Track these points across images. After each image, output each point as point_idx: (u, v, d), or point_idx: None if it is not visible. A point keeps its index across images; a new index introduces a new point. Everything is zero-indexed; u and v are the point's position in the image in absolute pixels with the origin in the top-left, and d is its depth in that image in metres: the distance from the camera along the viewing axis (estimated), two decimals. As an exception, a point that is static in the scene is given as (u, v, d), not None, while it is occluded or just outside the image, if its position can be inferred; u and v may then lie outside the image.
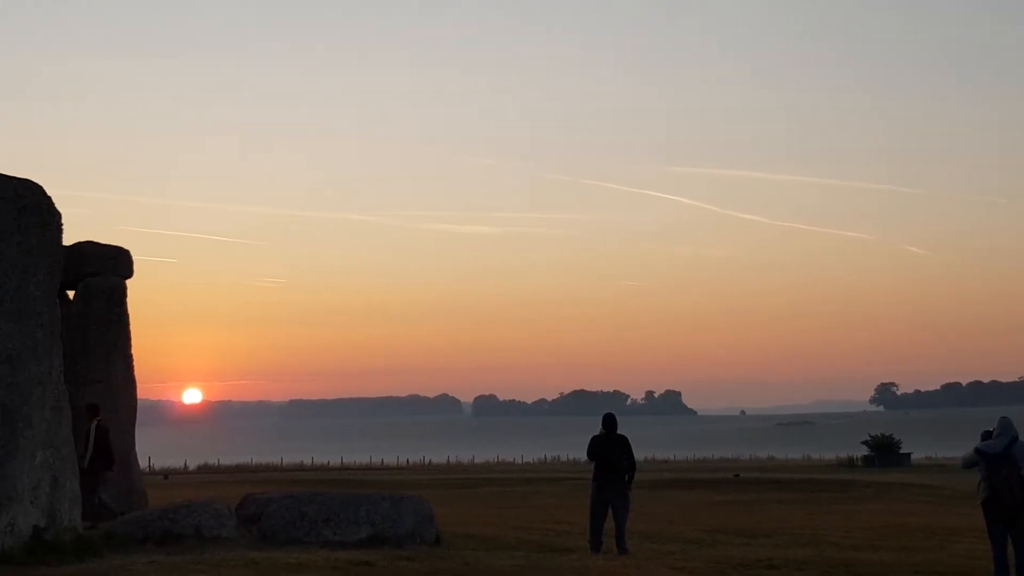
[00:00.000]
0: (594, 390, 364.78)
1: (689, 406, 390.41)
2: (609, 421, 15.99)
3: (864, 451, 71.13)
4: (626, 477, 15.84)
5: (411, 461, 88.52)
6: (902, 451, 70.14)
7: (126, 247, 21.60)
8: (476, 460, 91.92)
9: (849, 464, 68.50)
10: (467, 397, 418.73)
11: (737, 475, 49.15)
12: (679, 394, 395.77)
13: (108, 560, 13.10)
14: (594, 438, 15.94)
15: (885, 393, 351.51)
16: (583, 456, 17.44)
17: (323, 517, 15.30)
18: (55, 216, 14.18)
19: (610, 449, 15.75)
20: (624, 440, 15.88)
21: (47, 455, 13.68)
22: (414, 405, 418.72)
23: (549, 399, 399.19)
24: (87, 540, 14.06)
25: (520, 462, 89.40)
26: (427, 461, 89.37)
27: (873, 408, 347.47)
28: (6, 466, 12.91)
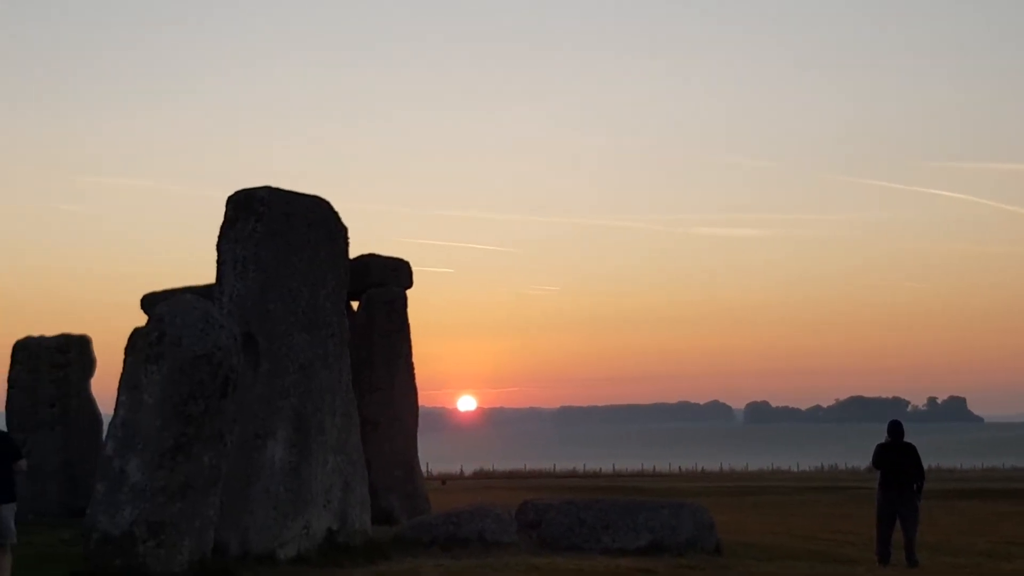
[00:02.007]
0: (872, 396, 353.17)
1: (975, 412, 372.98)
2: (896, 428, 15.44)
3: None
4: (914, 487, 15.25)
5: (683, 468, 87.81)
6: None
7: (406, 258, 22.26)
8: (750, 467, 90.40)
9: None
10: (739, 403, 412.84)
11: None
12: (964, 400, 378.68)
13: (397, 563, 13.49)
14: (880, 446, 15.41)
15: None
16: (863, 464, 16.88)
17: (602, 524, 15.34)
18: (342, 230, 14.74)
19: (897, 457, 15.19)
20: (912, 448, 15.29)
21: (338, 461, 14.22)
22: (684, 411, 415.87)
23: (824, 405, 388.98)
24: (376, 543, 14.54)
25: (796, 470, 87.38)
26: (700, 468, 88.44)
27: None
28: (301, 471, 13.48)
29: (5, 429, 21.47)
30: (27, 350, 22.00)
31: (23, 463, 11.74)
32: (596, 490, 40.41)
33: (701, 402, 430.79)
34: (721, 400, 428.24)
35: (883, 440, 15.49)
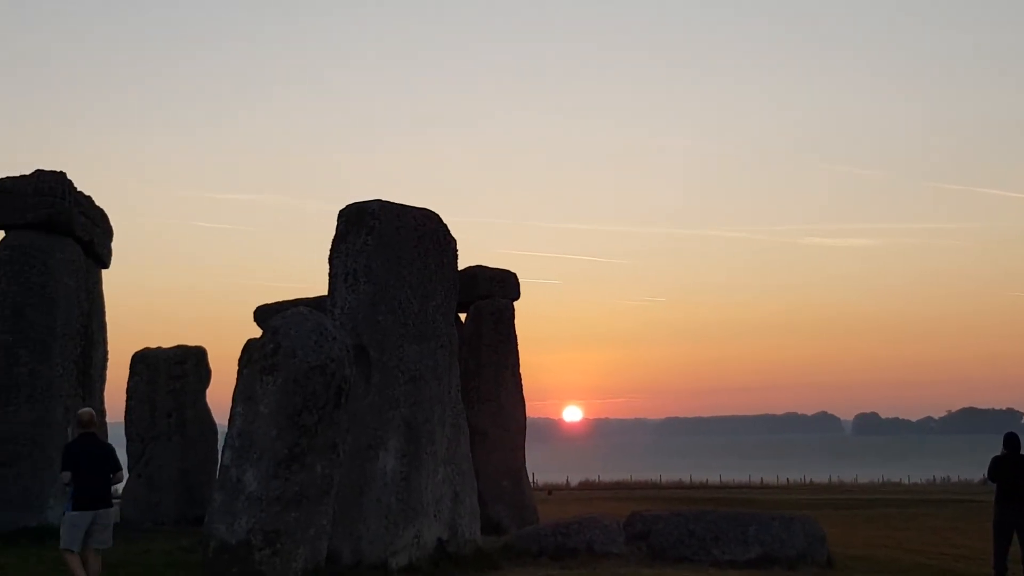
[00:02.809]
0: (985, 407, 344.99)
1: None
2: (1012, 441, 15.13)
3: None
4: (1033, 501, 14.92)
5: (791, 480, 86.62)
6: None
7: (513, 270, 22.40)
8: (859, 480, 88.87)
9: None
10: (847, 415, 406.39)
11: None
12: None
13: (506, 572, 13.59)
14: (996, 458, 15.11)
15: None
16: (976, 476, 16.57)
17: (711, 535, 15.27)
18: (451, 242, 14.90)
19: (1015, 470, 14.89)
20: (1029, 461, 14.98)
21: (448, 471, 14.35)
22: (791, 423, 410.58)
23: (936, 417, 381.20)
24: (486, 553, 14.64)
25: (907, 482, 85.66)
26: (808, 480, 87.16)
27: None
28: (412, 481, 13.63)
29: (125, 439, 22.06)
30: (145, 362, 22.53)
31: (121, 474, 12.14)
32: (703, 501, 40.07)
33: (809, 413, 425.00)
34: (829, 411, 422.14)
35: (998, 452, 15.20)
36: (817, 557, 15.34)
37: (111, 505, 11.89)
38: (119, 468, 12.07)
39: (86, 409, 12.35)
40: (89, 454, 11.76)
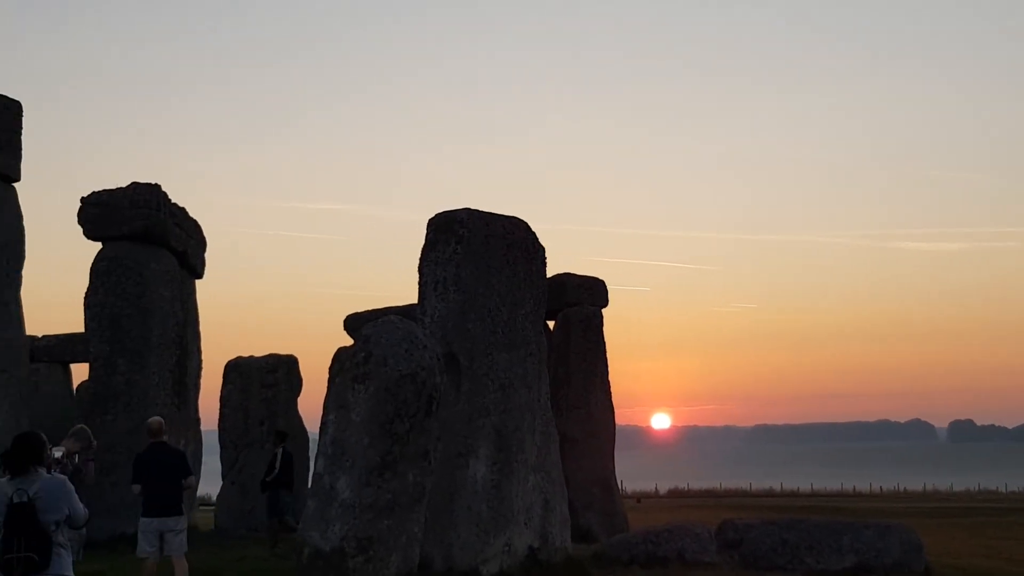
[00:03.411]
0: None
1: None
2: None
3: None
4: None
5: (884, 488, 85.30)
6: None
7: (602, 277, 22.35)
8: (955, 488, 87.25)
9: None
10: (941, 422, 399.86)
11: None
12: None
13: (598, 581, 13.55)
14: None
15: None
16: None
17: (805, 544, 15.08)
18: (540, 250, 14.90)
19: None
20: None
21: (538, 479, 14.35)
22: (884, 430, 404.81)
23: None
24: (577, 561, 14.61)
25: (1004, 491, 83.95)
26: (902, 489, 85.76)
27: None
28: (502, 488, 13.66)
29: (218, 447, 22.36)
30: (238, 370, 22.84)
31: (192, 479, 12.33)
32: (795, 510, 39.62)
33: (902, 420, 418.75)
34: (922, 418, 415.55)
35: None
36: (914, 567, 15.08)
37: (181, 512, 12.08)
38: (190, 474, 12.25)
39: (155, 418, 12.58)
40: (159, 462, 11.96)
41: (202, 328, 21.02)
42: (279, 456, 18.95)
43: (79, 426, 12.88)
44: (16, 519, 6.92)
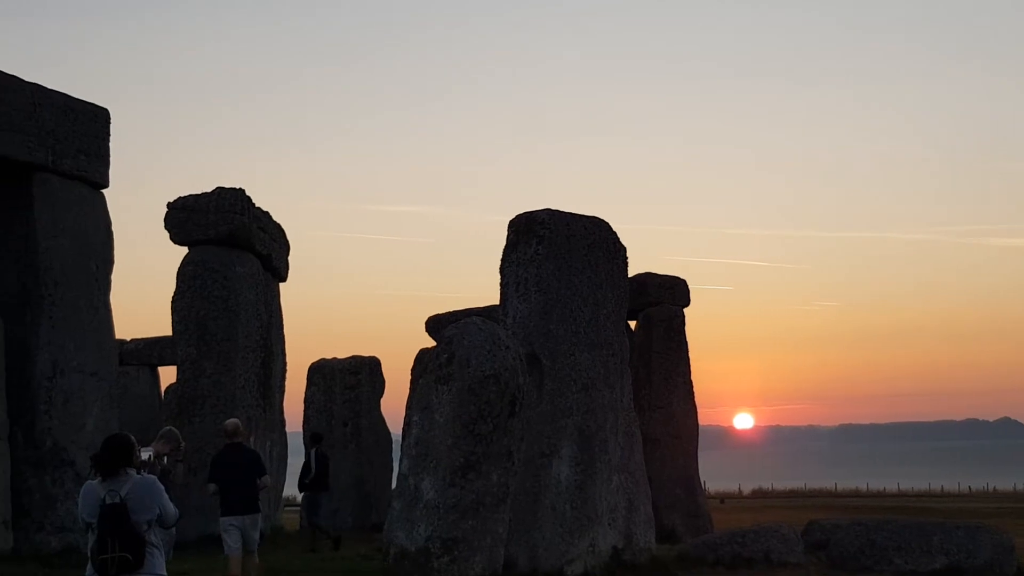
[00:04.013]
0: None
1: None
2: None
3: None
4: None
5: (973, 488, 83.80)
6: None
7: (683, 277, 22.26)
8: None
9: None
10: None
11: None
12: None
13: (682, 581, 13.47)
14: None
15: None
16: None
17: (894, 545, 14.86)
18: (621, 250, 14.86)
19: None
20: None
21: (622, 479, 14.31)
22: (972, 429, 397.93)
23: None
24: (661, 562, 14.55)
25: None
26: (991, 488, 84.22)
27: None
28: (586, 489, 13.63)
29: (303, 448, 22.56)
30: (322, 372, 23.05)
31: (266, 479, 12.51)
32: (882, 510, 39.05)
33: (990, 419, 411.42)
34: (1012, 417, 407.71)
35: None
36: (1006, 568, 14.80)
37: (258, 510, 12.28)
38: (264, 473, 12.45)
39: (232, 420, 12.79)
40: (234, 464, 12.16)
41: (286, 331, 21.24)
42: (313, 457, 19.12)
43: (168, 428, 13.10)
44: (109, 520, 7.02)
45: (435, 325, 23.13)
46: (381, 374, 23.46)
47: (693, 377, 22.26)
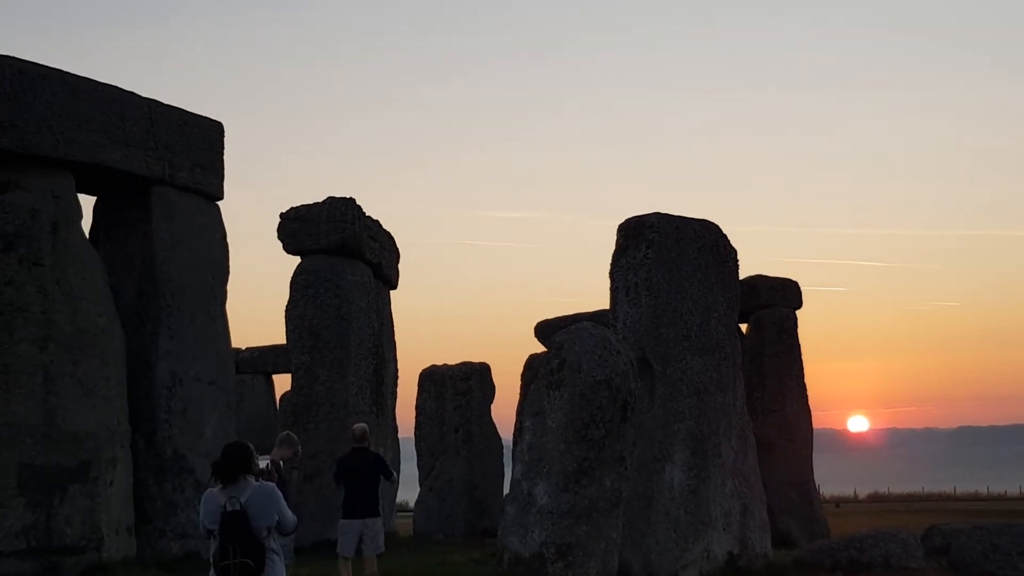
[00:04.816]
0: None
1: None
2: None
3: None
4: None
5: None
6: None
7: (795, 278, 22.00)
8: None
9: None
10: None
11: None
12: None
13: (800, 587, 13.30)
14: None
15: None
16: None
17: (1018, 550, 14.51)
18: (731, 252, 14.75)
19: None
20: None
21: (736, 484, 14.18)
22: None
23: None
24: (777, 567, 14.39)
25: None
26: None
27: None
28: (700, 494, 13.54)
29: (415, 454, 22.74)
30: (432, 379, 23.21)
31: (394, 478, 12.65)
32: (1004, 514, 38.10)
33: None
34: None
35: None
36: None
37: (378, 514, 12.43)
38: (390, 475, 12.58)
39: (360, 424, 12.95)
40: (357, 468, 12.34)
41: (397, 337, 21.43)
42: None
43: (286, 433, 13.31)
44: (230, 527, 7.14)
45: (545, 330, 23.15)
46: (491, 380, 23.53)
47: (806, 380, 22.00)
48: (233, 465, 7.33)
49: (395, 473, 13.02)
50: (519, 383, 21.64)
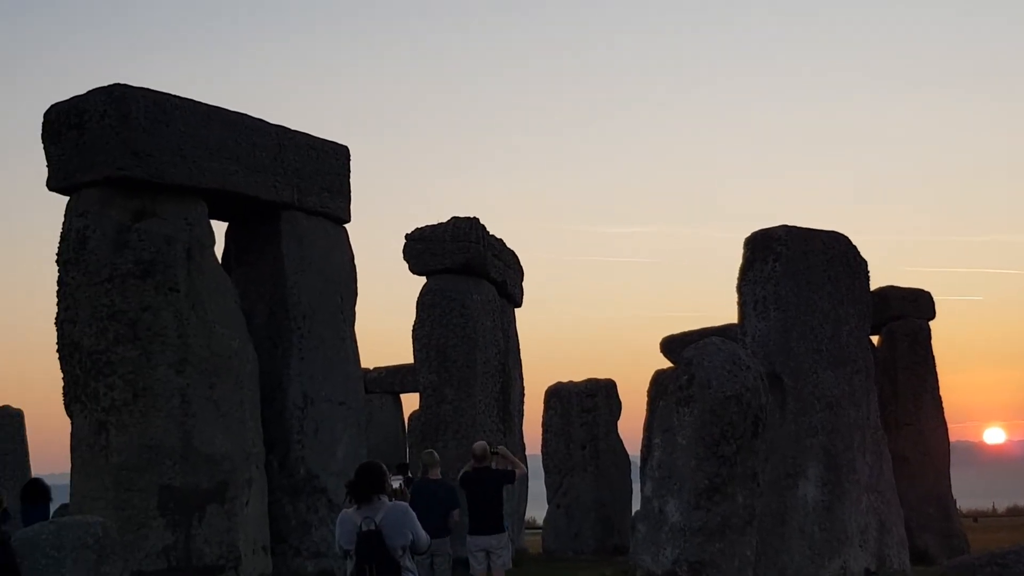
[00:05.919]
0: None
1: None
2: None
3: None
4: None
5: None
6: None
7: (928, 288, 21.59)
8: None
9: None
10: None
11: None
12: None
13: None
14: None
15: None
16: None
17: None
18: (862, 264, 14.52)
19: None
20: None
21: (872, 499, 13.92)
22: None
23: None
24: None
25: None
26: None
27: None
28: (835, 510, 13.32)
29: (543, 471, 22.78)
30: (558, 396, 23.22)
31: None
32: None
33: None
34: None
35: None
36: None
37: (503, 530, 12.54)
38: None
39: (480, 443, 13.07)
40: (483, 484, 12.50)
41: (522, 355, 21.49)
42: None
43: (428, 451, 13.55)
44: (366, 546, 7.24)
45: (671, 346, 23.00)
46: (617, 396, 23.46)
47: (941, 392, 21.52)
48: (367, 486, 7.43)
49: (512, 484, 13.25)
50: (646, 399, 21.52)
